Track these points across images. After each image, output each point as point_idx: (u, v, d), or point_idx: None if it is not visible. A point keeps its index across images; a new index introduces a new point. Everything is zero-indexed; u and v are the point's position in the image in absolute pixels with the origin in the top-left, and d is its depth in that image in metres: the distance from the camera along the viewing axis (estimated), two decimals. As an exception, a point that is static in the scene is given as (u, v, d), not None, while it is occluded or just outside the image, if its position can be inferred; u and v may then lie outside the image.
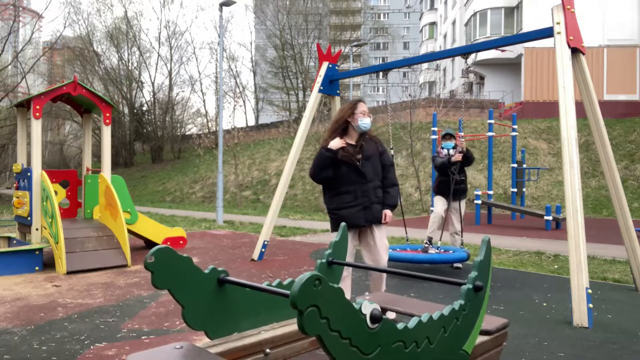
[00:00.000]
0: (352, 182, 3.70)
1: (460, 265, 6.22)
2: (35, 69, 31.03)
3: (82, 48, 38.41)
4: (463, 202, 6.42)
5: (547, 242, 9.33)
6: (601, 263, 6.95)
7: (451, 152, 6.25)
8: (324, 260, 2.78)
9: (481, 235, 10.05)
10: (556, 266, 6.69)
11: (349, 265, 2.85)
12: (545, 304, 4.59)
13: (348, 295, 3.82)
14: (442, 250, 6.18)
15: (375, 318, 1.63)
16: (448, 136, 6.41)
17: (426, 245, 6.30)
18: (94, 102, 7.24)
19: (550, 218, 11.67)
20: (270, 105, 41.80)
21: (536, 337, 3.61)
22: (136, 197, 25.76)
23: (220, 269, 2.29)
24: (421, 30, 49.71)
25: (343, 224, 2.89)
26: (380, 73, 7.39)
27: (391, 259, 5.74)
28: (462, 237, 6.36)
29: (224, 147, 21.76)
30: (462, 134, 6.17)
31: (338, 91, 7.67)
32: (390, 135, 7.26)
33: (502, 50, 24.40)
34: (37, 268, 6.08)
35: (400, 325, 1.77)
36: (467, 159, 6.03)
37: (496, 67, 29.55)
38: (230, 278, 2.25)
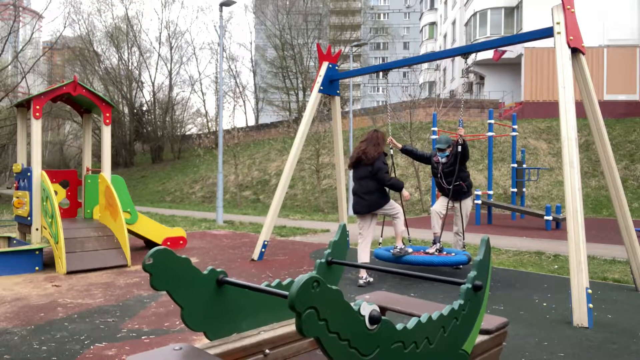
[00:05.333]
0: None
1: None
2: (35, 69, 31.02)
3: (82, 48, 38.43)
4: (466, 202, 6.21)
5: (547, 242, 9.32)
6: (601, 263, 6.94)
7: (443, 160, 6.20)
8: (323, 260, 2.78)
9: (481, 235, 10.04)
10: (556, 266, 6.69)
11: (348, 265, 2.85)
12: (545, 304, 4.59)
13: (368, 250, 5.56)
14: (444, 253, 6.12)
15: (374, 319, 1.63)
16: (441, 149, 6.31)
17: (433, 245, 6.29)
18: (94, 102, 7.24)
19: (550, 218, 11.67)
20: (270, 105, 41.80)
21: (536, 337, 3.60)
22: (136, 197, 25.77)
23: (219, 269, 2.29)
24: (421, 30, 49.70)
25: (343, 223, 2.90)
26: (380, 73, 7.39)
27: (390, 260, 5.74)
28: (463, 238, 6.22)
29: (224, 147, 21.77)
30: (463, 132, 6.06)
31: (338, 91, 7.67)
32: (390, 135, 7.24)
33: (497, 58, 24.34)
34: (37, 268, 6.08)
35: (399, 326, 1.77)
36: (463, 156, 5.94)
37: (496, 67, 29.54)
38: (229, 279, 2.25)
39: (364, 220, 5.64)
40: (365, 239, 5.60)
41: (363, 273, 5.51)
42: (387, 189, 5.61)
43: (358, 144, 5.80)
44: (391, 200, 5.63)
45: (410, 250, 5.88)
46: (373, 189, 5.49)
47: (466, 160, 6.05)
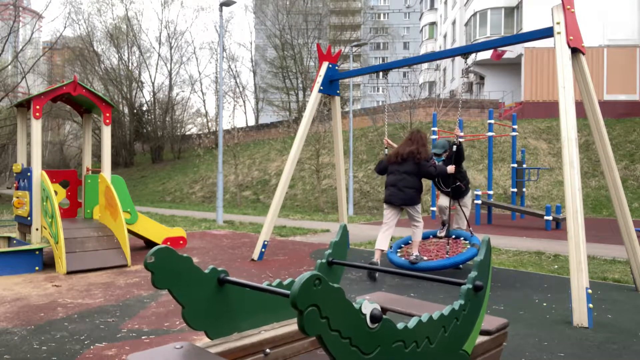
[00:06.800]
0: None
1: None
2: (35, 69, 31.02)
3: (82, 48, 38.41)
4: (465, 201, 6.45)
5: (547, 242, 9.32)
6: (601, 263, 6.95)
7: (440, 164, 6.32)
8: (324, 260, 2.78)
9: (481, 235, 10.04)
10: (556, 266, 6.69)
11: (349, 265, 2.85)
12: (545, 304, 4.59)
13: (388, 239, 5.90)
14: (453, 237, 6.39)
15: (375, 318, 1.63)
16: (437, 154, 6.46)
17: (442, 228, 6.69)
18: (94, 102, 7.24)
19: (550, 218, 11.67)
20: (270, 105, 41.81)
21: (536, 337, 3.60)
22: (136, 197, 25.77)
23: (220, 269, 2.29)
24: (421, 30, 49.70)
25: (343, 223, 2.90)
26: (380, 73, 7.40)
27: (405, 267, 5.80)
28: (470, 229, 6.43)
29: (224, 147, 21.77)
30: (462, 133, 6.17)
31: (338, 91, 7.67)
32: (386, 136, 7.24)
33: (498, 56, 24.36)
34: (37, 268, 6.08)
35: (400, 325, 1.77)
36: (459, 157, 6.04)
37: (496, 67, 29.55)
38: (230, 278, 2.25)
39: (392, 211, 5.93)
40: (389, 229, 5.92)
41: (377, 255, 5.80)
42: (422, 191, 5.97)
43: (403, 143, 6.06)
44: (420, 205, 5.93)
45: (425, 257, 6.07)
46: (414, 185, 5.82)
47: (462, 161, 6.17)
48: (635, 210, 15.93)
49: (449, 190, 6.27)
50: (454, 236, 6.41)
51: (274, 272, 6.11)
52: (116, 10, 53.54)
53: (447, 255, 5.97)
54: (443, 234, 6.60)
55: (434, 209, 14.26)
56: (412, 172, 5.80)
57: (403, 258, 6.00)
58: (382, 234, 5.89)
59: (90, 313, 4.22)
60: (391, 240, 6.43)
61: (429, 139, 6.09)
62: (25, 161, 7.49)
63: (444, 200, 6.57)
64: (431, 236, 6.75)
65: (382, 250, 5.82)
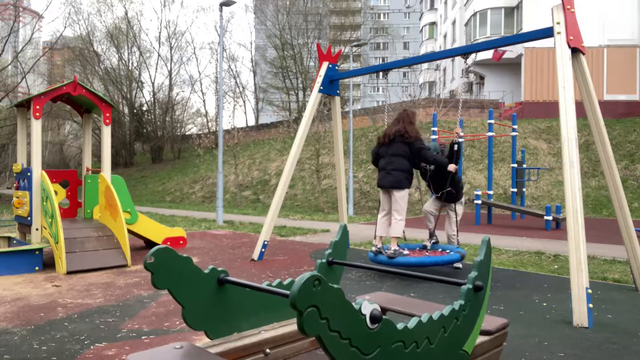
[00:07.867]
0: None
1: (460, 265, 6.23)
2: (35, 69, 31.04)
3: (82, 48, 38.42)
4: (456, 205, 6.33)
5: (547, 242, 9.32)
6: (601, 263, 6.94)
7: (431, 167, 6.29)
8: (324, 260, 2.78)
9: (481, 235, 10.05)
10: (556, 266, 6.69)
11: (349, 265, 2.85)
12: (545, 304, 4.59)
13: (387, 225, 5.85)
14: (439, 250, 6.29)
15: (375, 318, 1.63)
16: None
17: (429, 238, 6.61)
18: (94, 102, 7.24)
19: (550, 218, 11.67)
20: (270, 105, 41.81)
21: (536, 337, 3.60)
22: (136, 197, 25.76)
23: (220, 269, 2.29)
24: (421, 30, 49.71)
25: (343, 223, 2.90)
26: (380, 73, 7.40)
27: (383, 262, 5.74)
28: (457, 237, 6.34)
29: (224, 147, 21.76)
30: (462, 133, 6.15)
31: (338, 91, 7.67)
32: None
33: (497, 58, 24.38)
34: (37, 268, 6.08)
35: (400, 326, 1.77)
36: (458, 155, 6.00)
37: (496, 67, 29.54)
38: (230, 278, 2.26)
39: (386, 195, 5.89)
40: (387, 214, 5.88)
41: (378, 240, 5.87)
42: (413, 177, 5.85)
43: (391, 124, 5.97)
44: (407, 191, 5.76)
45: (406, 252, 5.98)
46: (403, 167, 5.67)
47: (458, 162, 6.14)
48: (635, 210, 15.93)
49: (438, 195, 6.26)
50: (440, 250, 6.34)
51: (274, 272, 6.11)
52: (116, 10, 53.56)
53: (427, 254, 5.97)
54: (429, 244, 6.49)
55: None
56: (400, 153, 5.67)
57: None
58: (380, 219, 5.90)
59: (90, 313, 4.22)
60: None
61: (418, 117, 6.00)
62: (25, 161, 7.48)
63: (429, 205, 6.52)
64: (417, 249, 6.53)
65: (382, 237, 5.85)
